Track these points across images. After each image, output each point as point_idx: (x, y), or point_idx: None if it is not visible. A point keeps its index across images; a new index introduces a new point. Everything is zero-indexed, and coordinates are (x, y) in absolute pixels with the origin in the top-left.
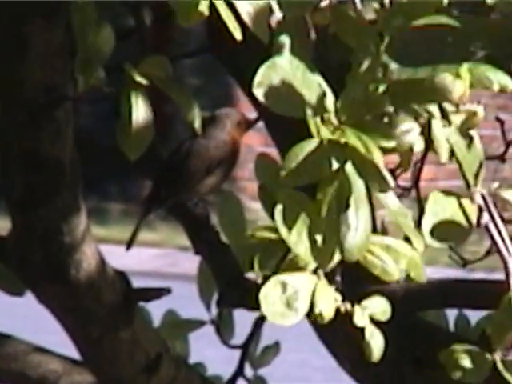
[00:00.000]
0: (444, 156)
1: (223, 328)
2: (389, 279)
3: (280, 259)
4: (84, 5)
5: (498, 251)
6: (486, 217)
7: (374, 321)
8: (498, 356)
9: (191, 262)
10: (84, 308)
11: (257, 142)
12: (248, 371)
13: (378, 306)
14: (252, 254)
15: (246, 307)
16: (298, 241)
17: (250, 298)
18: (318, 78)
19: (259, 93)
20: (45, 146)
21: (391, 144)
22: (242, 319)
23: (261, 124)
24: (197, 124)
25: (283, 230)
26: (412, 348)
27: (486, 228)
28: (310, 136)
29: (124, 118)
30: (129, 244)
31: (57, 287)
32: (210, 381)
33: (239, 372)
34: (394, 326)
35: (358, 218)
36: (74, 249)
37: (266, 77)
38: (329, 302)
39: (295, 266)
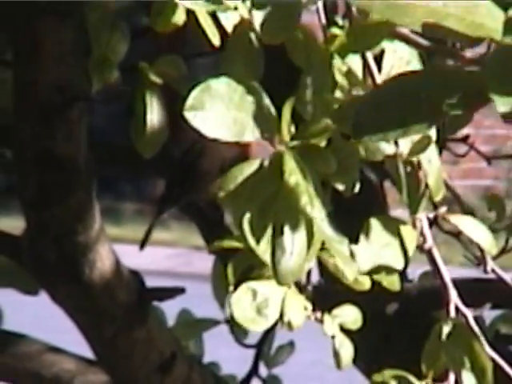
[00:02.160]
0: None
1: (237, 327)
2: (360, 288)
3: (248, 267)
4: (100, 4)
5: (440, 277)
6: (429, 241)
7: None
8: None
9: (205, 262)
10: (98, 307)
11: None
12: (262, 370)
13: (348, 315)
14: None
15: None
16: (267, 250)
17: None
18: (257, 101)
19: (190, 116)
20: (59, 146)
21: (331, 169)
22: None
23: None
24: None
25: (251, 240)
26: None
27: (429, 253)
28: None
29: (138, 117)
30: (142, 244)
31: (71, 286)
32: (224, 380)
33: (253, 371)
34: (408, 325)
35: (293, 243)
36: (88, 248)
37: (199, 100)
38: (298, 310)
39: (264, 275)
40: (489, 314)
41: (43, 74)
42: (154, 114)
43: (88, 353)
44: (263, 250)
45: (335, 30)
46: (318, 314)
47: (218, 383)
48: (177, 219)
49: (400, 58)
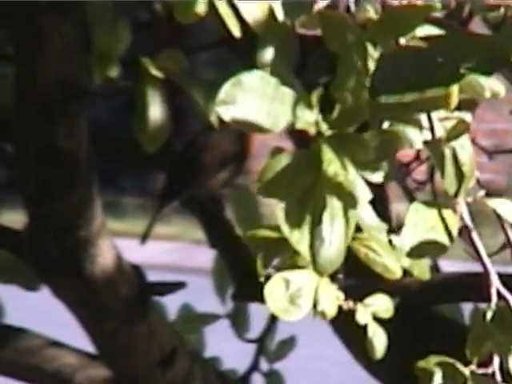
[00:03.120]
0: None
1: (238, 322)
2: (390, 277)
3: (282, 258)
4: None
5: (482, 262)
6: (470, 225)
7: (377, 318)
8: (468, 370)
9: (206, 256)
10: (99, 302)
11: (271, 136)
12: (263, 365)
13: (380, 304)
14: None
15: (261, 301)
16: (301, 239)
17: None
18: (291, 92)
19: (222, 111)
20: (60, 140)
21: (370, 157)
22: (258, 313)
23: None
24: (213, 117)
25: (286, 229)
26: (427, 342)
27: (470, 238)
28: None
29: (140, 111)
30: (144, 238)
31: (72, 281)
32: (225, 375)
33: (255, 366)
34: (408, 319)
35: (331, 233)
36: (89, 243)
37: (230, 95)
38: (331, 299)
39: (297, 265)
40: None
41: (44, 68)
42: (156, 109)
43: (89, 347)
44: (297, 239)
45: (370, 15)
46: (351, 304)
47: (219, 378)
48: (178, 213)
49: None
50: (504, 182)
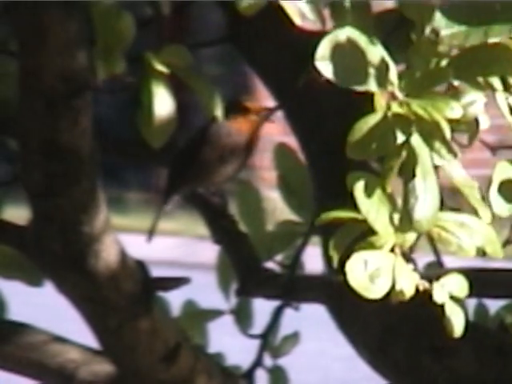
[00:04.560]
0: None
1: (242, 317)
2: (465, 255)
3: (352, 240)
4: None
5: None
6: None
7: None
8: None
9: (210, 252)
10: (103, 297)
11: (275, 131)
12: (267, 361)
13: (456, 283)
14: (271, 242)
15: (264, 296)
16: (377, 219)
17: (268, 286)
18: (380, 51)
19: (322, 66)
20: (64, 136)
21: (457, 114)
22: (261, 308)
23: (279, 113)
24: (218, 113)
25: (364, 208)
26: (431, 337)
27: None
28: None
29: (145, 107)
30: (150, 234)
31: (76, 277)
32: (228, 370)
33: (258, 362)
34: (412, 314)
35: (425, 189)
36: (93, 238)
37: (328, 50)
38: (409, 279)
39: (374, 245)
40: (493, 304)
41: (48, 63)
42: (161, 104)
43: (93, 343)
44: (374, 218)
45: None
46: (426, 284)
47: (222, 373)
48: (181, 209)
49: None
50: None
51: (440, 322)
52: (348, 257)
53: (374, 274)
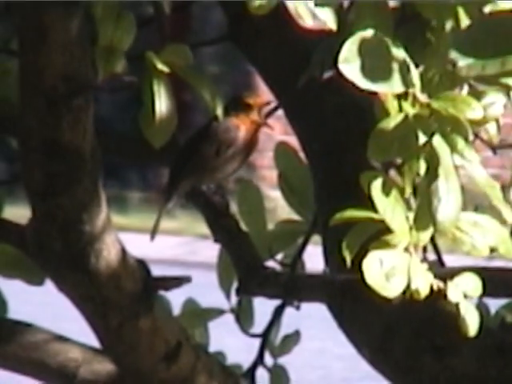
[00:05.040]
0: None
1: (243, 316)
2: (478, 255)
3: (368, 238)
4: None
5: None
6: None
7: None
8: None
9: (211, 251)
10: (104, 296)
11: (276, 130)
12: (268, 360)
13: (470, 283)
14: (272, 241)
15: (265, 295)
16: (393, 218)
17: (269, 285)
18: (402, 53)
19: (345, 69)
20: (65, 135)
21: (479, 115)
22: (262, 308)
23: (281, 112)
24: (219, 111)
25: (381, 207)
26: (431, 336)
27: None
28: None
29: (147, 106)
30: (152, 234)
31: (77, 276)
32: (229, 369)
33: (259, 360)
34: (413, 314)
35: (448, 190)
36: (94, 237)
37: (352, 52)
38: (423, 278)
39: (389, 244)
40: (494, 303)
41: (49, 62)
42: (162, 103)
43: (94, 342)
44: (391, 217)
45: None
46: (440, 284)
47: (223, 372)
48: (183, 208)
49: None
50: (509, 176)
51: (442, 321)
52: (359, 256)
53: (389, 272)
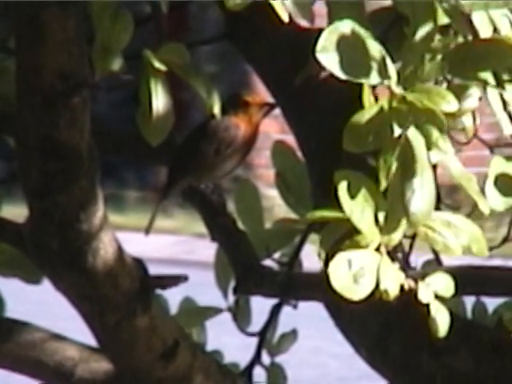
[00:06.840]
0: (507, 128)
1: (240, 315)
2: (451, 255)
3: (340, 238)
4: None
5: None
6: None
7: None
8: None
9: (208, 249)
10: (101, 295)
11: (273, 129)
12: (265, 358)
13: (441, 283)
14: (269, 240)
15: (262, 294)
16: (361, 218)
17: (266, 284)
18: (378, 46)
19: (323, 58)
20: (62, 133)
21: (453, 108)
22: (259, 306)
23: (278, 111)
24: (216, 109)
25: (347, 207)
26: (428, 335)
27: None
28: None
29: (144, 104)
30: (147, 229)
31: (74, 274)
32: (226, 368)
33: (256, 359)
34: (410, 312)
35: (422, 183)
36: (91, 236)
37: (329, 41)
38: (393, 278)
39: (358, 244)
40: (491, 302)
41: (46, 61)
42: (159, 102)
43: (91, 340)
44: (358, 218)
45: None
46: (412, 283)
47: (220, 371)
48: (180, 207)
49: None
50: None
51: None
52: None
53: (358, 273)
